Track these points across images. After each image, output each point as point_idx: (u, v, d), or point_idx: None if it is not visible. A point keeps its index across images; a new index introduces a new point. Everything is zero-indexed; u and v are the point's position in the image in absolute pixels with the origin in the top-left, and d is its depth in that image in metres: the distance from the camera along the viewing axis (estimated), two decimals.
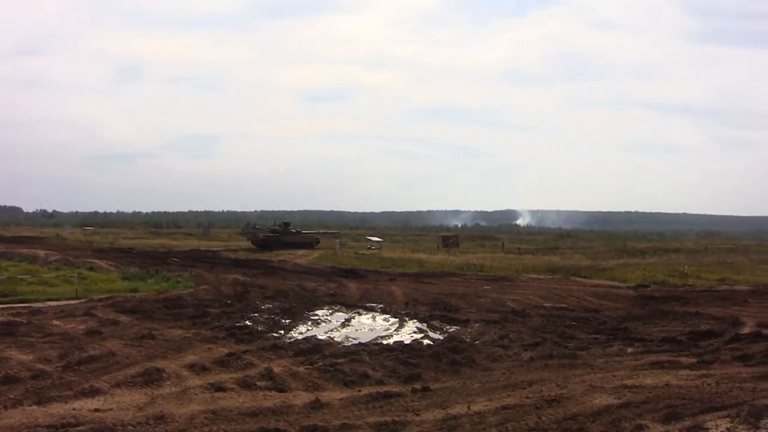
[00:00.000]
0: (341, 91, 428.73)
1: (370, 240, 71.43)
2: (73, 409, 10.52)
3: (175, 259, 44.81)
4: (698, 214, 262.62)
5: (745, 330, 19.27)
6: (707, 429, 9.98)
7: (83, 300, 23.72)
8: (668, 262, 48.59)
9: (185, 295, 25.98)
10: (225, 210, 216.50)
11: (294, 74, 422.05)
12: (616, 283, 34.18)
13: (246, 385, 12.47)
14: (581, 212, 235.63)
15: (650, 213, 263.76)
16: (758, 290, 30.29)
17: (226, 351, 15.23)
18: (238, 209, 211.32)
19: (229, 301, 24.31)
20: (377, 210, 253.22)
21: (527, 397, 11.56)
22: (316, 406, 11.02)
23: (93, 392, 11.59)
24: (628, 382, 12.79)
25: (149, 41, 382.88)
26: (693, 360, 14.99)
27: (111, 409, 10.59)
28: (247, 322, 19.98)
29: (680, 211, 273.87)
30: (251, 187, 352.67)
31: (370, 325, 20.84)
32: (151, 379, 12.61)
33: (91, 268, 35.01)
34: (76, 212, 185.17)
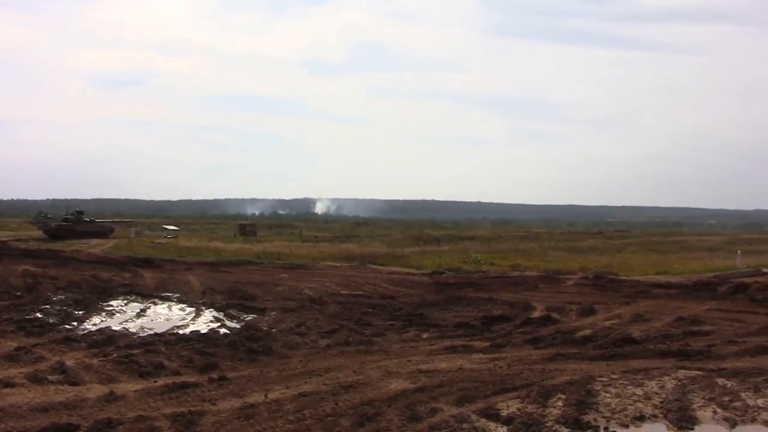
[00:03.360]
0: (137, 77, 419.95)
1: (166, 229, 70.02)
2: None
3: None
4: (493, 203, 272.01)
5: (536, 314, 20.04)
6: (499, 410, 10.31)
7: None
8: (463, 250, 49.94)
9: None
10: (15, 198, 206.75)
11: (86, 58, 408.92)
12: (412, 270, 34.86)
13: (36, 379, 11.89)
14: (380, 201, 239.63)
15: (446, 201, 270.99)
16: (548, 276, 31.60)
17: (15, 345, 14.46)
18: (29, 197, 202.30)
19: (18, 293, 23.15)
20: (174, 198, 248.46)
21: (324, 384, 11.60)
22: (111, 398, 10.65)
23: None
24: (424, 366, 13.04)
25: None
26: (486, 344, 15.45)
27: None
28: (38, 315, 19.08)
29: (475, 199, 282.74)
30: (43, 174, 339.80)
31: (166, 315, 20.39)
32: None
33: None
34: None
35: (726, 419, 10.29)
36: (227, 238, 63.15)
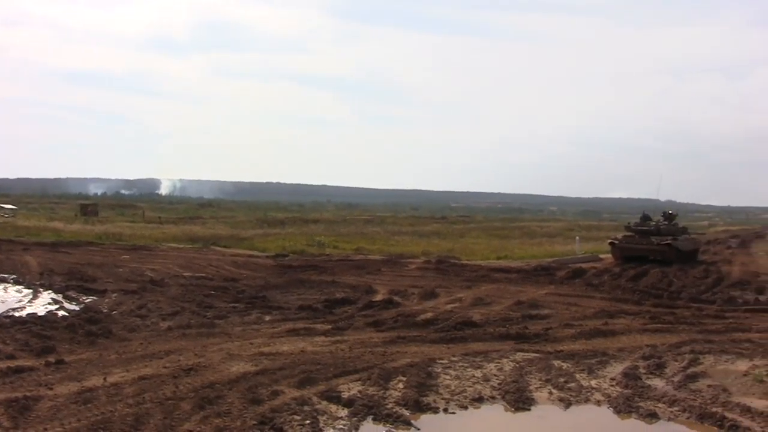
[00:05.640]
0: None
1: (3, 208, 67.66)
2: None
3: None
4: (338, 186, 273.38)
5: (378, 297, 20.32)
6: (340, 392, 10.48)
7: None
8: (307, 233, 50.05)
9: None
10: None
11: None
12: (256, 253, 34.77)
13: None
14: (227, 183, 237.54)
15: (292, 184, 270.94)
16: (391, 260, 32.09)
17: None
18: None
19: None
20: (12, 177, 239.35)
21: (165, 367, 11.50)
22: None
23: None
24: (266, 349, 13.09)
25: None
26: (328, 327, 15.59)
27: None
28: None
29: (321, 183, 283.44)
30: None
31: (1, 297, 19.76)
32: None
33: None
34: None
35: (561, 400, 10.75)
36: (68, 219, 61.37)
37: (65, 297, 19.62)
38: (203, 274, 25.19)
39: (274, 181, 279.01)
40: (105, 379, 10.68)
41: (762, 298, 22.90)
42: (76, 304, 18.51)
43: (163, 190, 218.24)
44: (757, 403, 10.40)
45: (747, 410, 10.06)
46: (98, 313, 16.61)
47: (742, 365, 12.72)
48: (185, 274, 25.11)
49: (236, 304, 18.82)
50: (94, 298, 19.54)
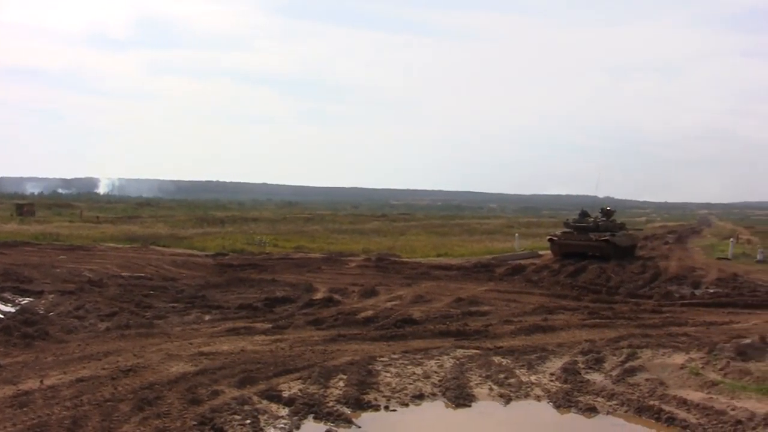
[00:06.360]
0: None
1: None
2: None
3: None
4: (278, 185, 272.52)
5: (318, 296, 20.33)
6: (281, 391, 10.47)
7: None
8: (247, 231, 49.75)
9: None
10: None
11: None
12: (196, 252, 34.48)
13: None
14: (166, 181, 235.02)
15: (232, 183, 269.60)
16: (331, 258, 32.03)
17: None
18: None
19: None
20: None
21: (103, 368, 11.38)
22: None
23: None
24: (205, 349, 13.02)
25: None
26: (268, 325, 15.55)
27: None
28: None
29: (261, 181, 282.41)
30: None
31: None
32: None
33: None
34: None
35: (501, 396, 10.87)
36: (3, 219, 60.26)
37: (0, 299, 19.28)
38: (142, 274, 24.93)
39: (214, 179, 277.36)
40: (42, 381, 10.53)
41: (698, 292, 23.35)
42: (11, 306, 18.20)
43: (102, 189, 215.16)
44: (693, 395, 10.60)
45: (683, 402, 10.26)
46: (35, 315, 16.35)
47: (679, 358, 12.93)
48: (124, 274, 24.83)
49: (175, 304, 18.68)
50: (31, 299, 19.21)
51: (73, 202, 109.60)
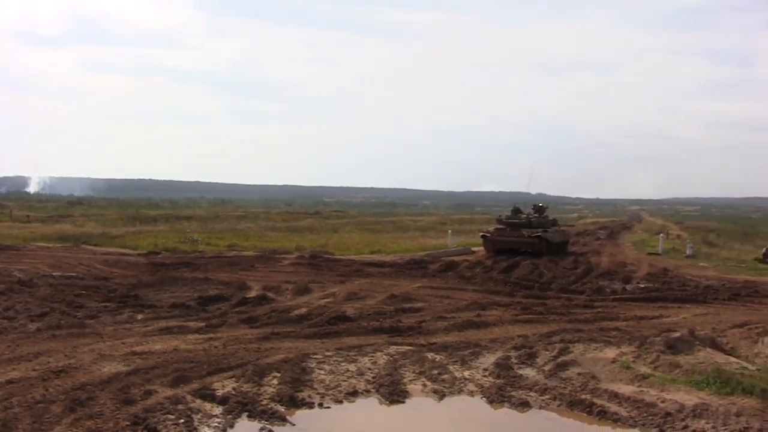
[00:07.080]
0: None
1: None
2: None
3: None
4: (211, 183, 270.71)
5: (252, 294, 20.31)
6: (214, 390, 10.45)
7: None
8: (180, 230, 49.30)
9: None
10: None
11: None
12: (128, 251, 34.09)
13: None
14: (99, 180, 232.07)
15: (164, 181, 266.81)
16: (264, 255, 31.93)
17: None
18: None
19: None
20: None
21: (33, 370, 11.24)
22: None
23: None
24: (138, 348, 12.92)
25: None
26: (201, 324, 15.47)
27: None
28: None
29: (193, 179, 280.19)
30: None
31: None
32: None
33: None
34: None
35: (435, 392, 10.97)
36: None
37: None
38: (73, 274, 24.60)
39: (147, 177, 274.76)
40: None
41: (629, 287, 23.80)
42: None
43: (32, 188, 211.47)
44: (624, 389, 10.83)
45: (614, 396, 10.48)
46: None
47: (610, 353, 13.17)
48: (55, 273, 24.47)
49: (107, 304, 18.48)
50: None
51: (3, 201, 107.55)
